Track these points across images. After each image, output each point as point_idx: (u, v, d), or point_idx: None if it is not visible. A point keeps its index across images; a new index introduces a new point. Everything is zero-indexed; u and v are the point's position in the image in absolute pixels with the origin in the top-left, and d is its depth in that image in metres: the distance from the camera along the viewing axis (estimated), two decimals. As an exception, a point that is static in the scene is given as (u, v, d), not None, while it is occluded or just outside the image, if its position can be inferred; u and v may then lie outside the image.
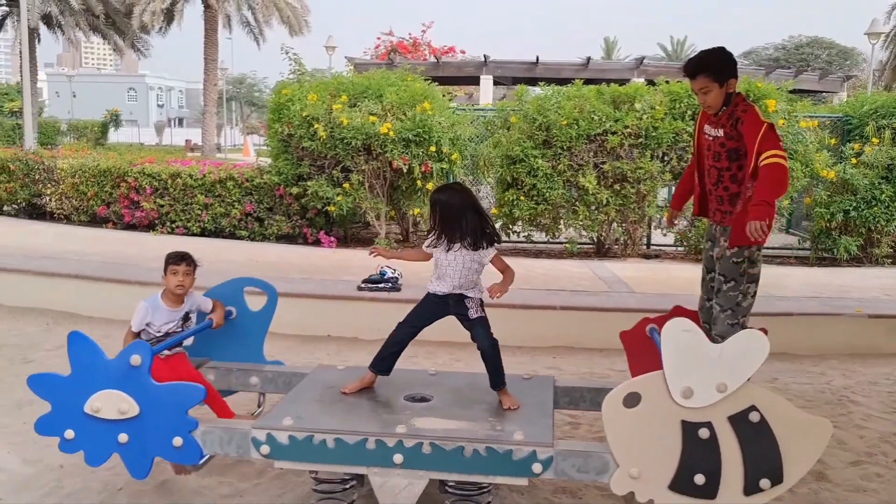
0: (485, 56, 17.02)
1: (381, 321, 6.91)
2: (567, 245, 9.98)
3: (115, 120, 43.30)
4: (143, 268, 8.14)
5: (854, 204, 9.54)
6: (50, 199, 12.17)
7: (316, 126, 9.45)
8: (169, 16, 34.11)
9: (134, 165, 11.20)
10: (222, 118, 57.34)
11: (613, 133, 9.21)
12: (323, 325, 7.04)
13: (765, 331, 3.46)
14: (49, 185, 12.12)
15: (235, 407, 4.81)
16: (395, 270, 7.37)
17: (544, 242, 10.40)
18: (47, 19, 31.91)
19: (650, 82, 11.51)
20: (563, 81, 11.57)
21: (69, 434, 3.39)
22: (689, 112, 9.32)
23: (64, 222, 12.11)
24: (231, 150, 52.07)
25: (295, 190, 10.01)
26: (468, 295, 3.72)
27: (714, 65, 3.78)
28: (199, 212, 10.71)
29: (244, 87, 77.30)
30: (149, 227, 11.13)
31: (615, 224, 9.89)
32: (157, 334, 3.90)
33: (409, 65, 12.28)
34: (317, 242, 10.36)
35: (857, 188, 9.51)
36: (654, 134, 9.19)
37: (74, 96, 73.41)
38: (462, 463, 3.16)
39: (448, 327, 3.87)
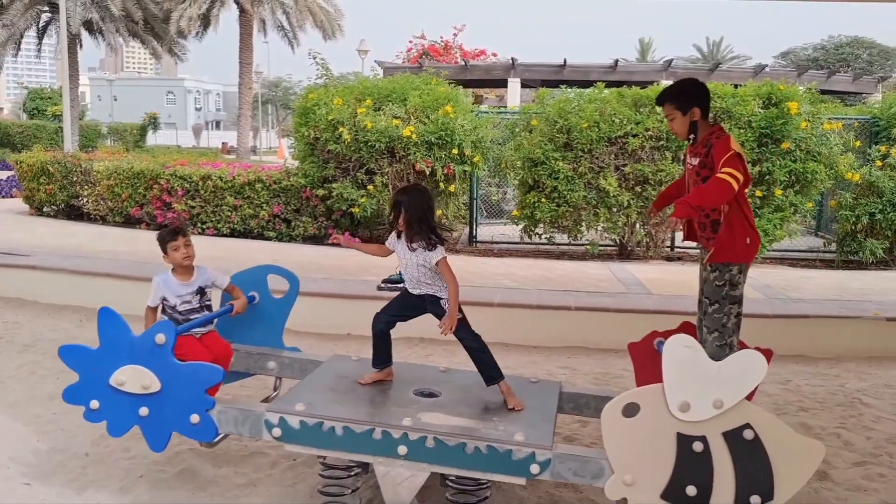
0: (512, 59, 17.12)
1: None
2: (588, 247, 10.04)
3: (153, 123, 44.20)
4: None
5: (880, 206, 9.47)
6: (87, 201, 12.56)
7: (341, 129, 9.65)
8: (205, 21, 34.76)
9: (166, 168, 11.51)
10: (258, 121, 58.15)
11: (634, 135, 9.27)
12: (343, 323, 7.20)
13: (769, 353, 3.55)
14: (86, 187, 12.52)
15: (253, 389, 5.00)
16: (414, 271, 7.51)
17: (566, 244, 10.48)
18: (88, 25, 32.70)
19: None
20: (590, 84, 11.64)
21: (94, 404, 3.58)
22: (711, 115, 9.30)
23: (100, 223, 12.50)
24: (266, 153, 52.82)
25: (321, 192, 10.23)
26: (441, 296, 3.82)
27: (678, 95, 3.95)
28: (229, 213, 10.98)
29: (280, 91, 78.20)
30: (180, 227, 11.41)
31: (637, 226, 9.93)
32: (178, 309, 4.06)
33: (434, 68, 12.42)
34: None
35: (882, 191, 9.45)
36: (674, 136, 9.19)
37: (115, 100, 75.03)
38: (463, 459, 3.28)
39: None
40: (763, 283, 8.38)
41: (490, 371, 3.80)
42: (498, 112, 11.53)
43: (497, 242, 11.17)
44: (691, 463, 3.10)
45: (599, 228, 9.79)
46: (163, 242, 4.10)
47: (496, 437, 3.31)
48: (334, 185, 10.00)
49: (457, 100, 10.04)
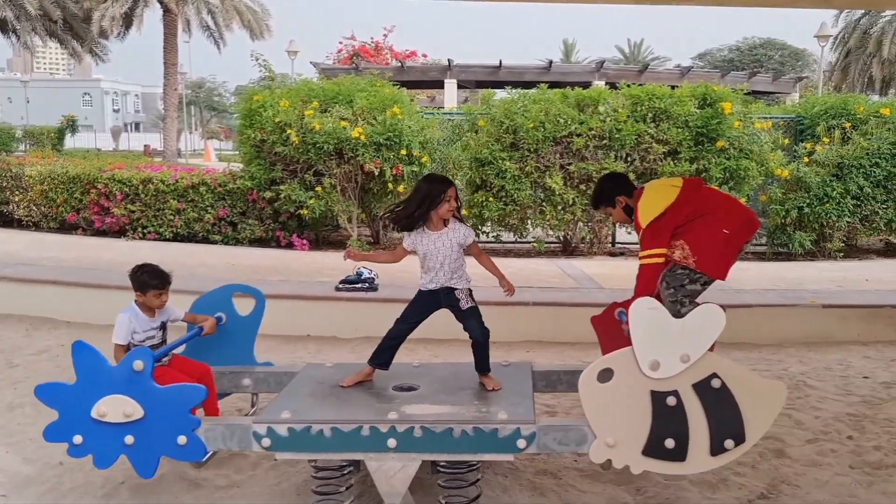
0: (449, 60, 17.28)
1: (359, 320, 7.20)
2: (535, 244, 10.28)
3: (71, 126, 42.66)
4: (119, 273, 8.22)
5: (807, 201, 10.00)
6: (18, 207, 12.12)
7: (289, 131, 9.62)
8: (128, 20, 33.80)
9: (104, 172, 11.22)
10: (181, 123, 56.74)
11: (578, 135, 9.54)
12: (302, 325, 7.21)
13: (722, 307, 3.81)
14: (17, 193, 12.07)
15: (230, 408, 5.00)
16: (371, 271, 7.58)
17: (512, 242, 10.70)
18: (2, 24, 31.38)
19: (611, 85, 11.90)
20: (525, 85, 11.91)
21: (77, 439, 3.54)
22: (650, 115, 9.68)
23: (32, 229, 12.08)
24: (192, 156, 51.60)
25: (268, 194, 10.17)
26: (457, 287, 3.96)
27: (600, 196, 4.43)
28: (172, 217, 10.79)
29: (203, 92, 76.54)
30: (119, 232, 11.16)
31: (581, 223, 10.22)
32: (139, 344, 3.98)
33: (375, 70, 12.48)
34: (290, 245, 10.53)
35: (809, 186, 9.98)
36: (617, 136, 9.54)
37: (28, 102, 71.96)
38: (452, 443, 3.39)
39: (426, 326, 4.11)
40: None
41: (485, 362, 4.00)
42: (443, 112, 11.66)
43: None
44: (667, 417, 3.29)
45: (545, 226, 10.02)
46: (146, 285, 3.98)
47: (481, 418, 3.44)
48: (282, 188, 9.95)
49: (403, 101, 10.13)
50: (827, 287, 8.12)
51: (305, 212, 9.93)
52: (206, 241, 10.81)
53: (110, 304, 7.30)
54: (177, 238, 10.94)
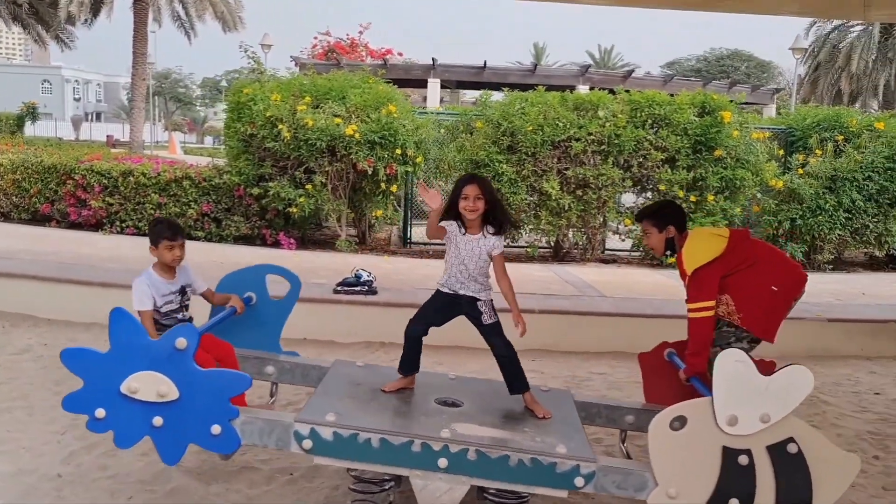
0: (433, 59, 17.08)
1: (358, 324, 6.97)
2: (528, 249, 10.12)
3: (31, 113, 41.44)
4: (102, 269, 7.88)
5: (800, 212, 10.01)
6: (-14, 196, 11.61)
7: (280, 127, 9.33)
8: (96, 7, 32.92)
9: (81, 162, 10.80)
10: (146, 114, 55.62)
11: (577, 139, 9.41)
12: (299, 327, 6.85)
13: (773, 364, 3.66)
14: (-14, 181, 11.56)
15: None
16: (370, 273, 7.35)
17: (504, 246, 10.51)
18: (-36, 7, 30.39)
19: (595, 90, 11.80)
20: (509, 86, 11.76)
21: (100, 413, 3.26)
22: (650, 121, 9.60)
23: (1, 220, 11.57)
24: (156, 147, 50.59)
25: (256, 191, 9.85)
26: (480, 297, 3.75)
27: (655, 214, 4.25)
28: (153, 211, 10.41)
29: (169, 83, 75.24)
30: (96, 226, 10.75)
31: (574, 229, 10.09)
32: (160, 309, 3.82)
33: (366, 67, 12.22)
34: (276, 244, 10.23)
35: (803, 197, 9.98)
36: (616, 141, 9.43)
37: (-16, 87, 69.98)
38: (506, 471, 3.20)
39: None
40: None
41: (517, 380, 3.75)
42: (438, 112, 11.45)
43: (433, 244, 11.09)
44: (735, 476, 3.13)
45: (539, 231, 9.88)
46: (158, 235, 3.83)
47: (538, 449, 3.24)
48: (271, 184, 9.65)
49: (397, 99, 9.90)
50: (826, 300, 8.09)
51: (295, 210, 9.64)
52: (188, 237, 10.37)
53: (93, 302, 7.06)
54: (157, 233, 10.54)
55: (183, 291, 3.94)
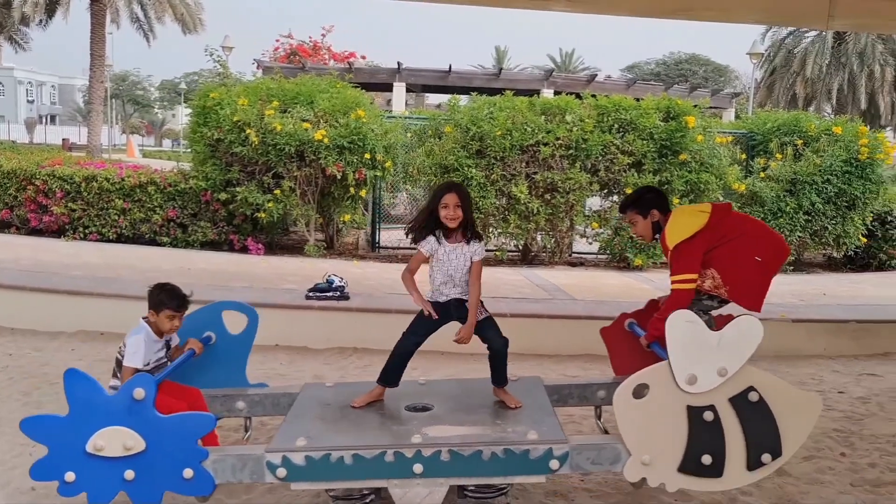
0: (398, 63, 17.07)
1: (331, 330, 6.96)
2: (497, 253, 10.18)
3: (-15, 116, 40.48)
4: (66, 276, 7.75)
5: (762, 215, 10.22)
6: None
7: (248, 131, 9.26)
8: (51, 8, 32.31)
9: (42, 167, 10.59)
10: (104, 117, 54.60)
11: (545, 144, 9.50)
12: (271, 334, 6.87)
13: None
14: (-59, 187, 11.25)
15: (220, 434, 4.69)
16: (342, 279, 7.34)
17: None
18: (-87, 6, 29.57)
19: (559, 94, 11.93)
20: (474, 90, 11.82)
21: (69, 477, 3.22)
22: (616, 126, 9.73)
23: (-44, 227, 11.29)
24: (113, 151, 49.70)
25: (223, 196, 9.76)
26: (466, 298, 3.79)
27: (637, 201, 4.30)
28: (116, 217, 10.26)
29: (126, 85, 74.00)
30: (58, 232, 10.55)
31: (542, 232, 10.18)
32: (146, 367, 3.73)
33: (336, 71, 12.18)
34: (244, 249, 10.14)
35: (765, 200, 10.20)
36: (583, 146, 9.54)
37: (-69, 89, 68.02)
38: (481, 466, 3.24)
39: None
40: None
41: (503, 374, 3.83)
42: (406, 117, 11.46)
43: (401, 248, 11.10)
44: (704, 433, 3.21)
45: (508, 234, 9.94)
46: (162, 304, 3.72)
47: (510, 439, 3.29)
48: (238, 189, 9.57)
49: (366, 104, 9.90)
50: (790, 301, 8.28)
51: (263, 215, 9.57)
52: (153, 242, 10.31)
53: (59, 310, 6.94)
54: (121, 239, 10.40)
55: (168, 346, 3.90)
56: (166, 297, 3.73)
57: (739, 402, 3.21)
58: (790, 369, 6.78)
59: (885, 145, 10.59)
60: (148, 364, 3.73)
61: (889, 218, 11.30)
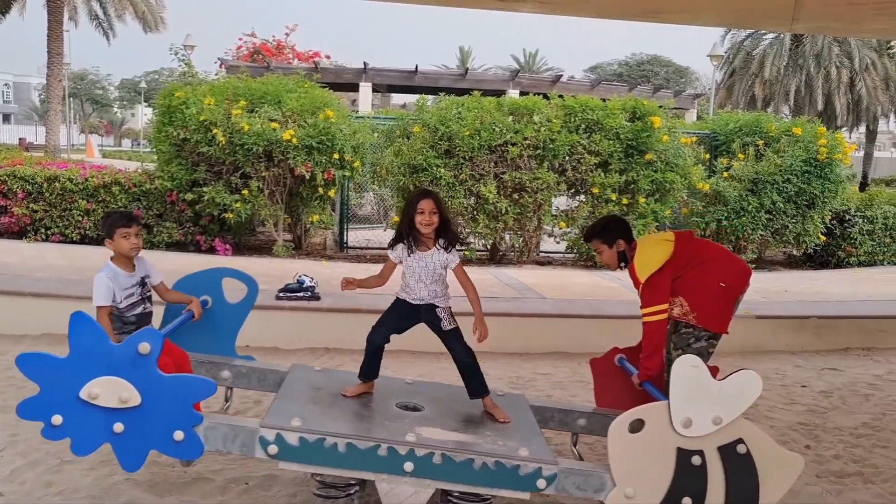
0: (364, 63, 17.04)
1: (302, 330, 6.94)
2: (466, 252, 10.23)
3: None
4: (30, 278, 7.61)
5: (725, 214, 10.42)
6: None
7: (215, 131, 9.18)
8: (6, 3, 31.56)
9: (2, 167, 10.38)
10: (62, 116, 53.54)
11: (513, 144, 9.57)
12: (241, 335, 6.78)
13: (716, 369, 3.83)
14: None
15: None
16: (312, 279, 7.31)
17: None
18: None
19: (525, 94, 12.02)
20: (441, 91, 11.85)
21: (56, 420, 3.15)
22: (583, 126, 9.84)
23: (-87, 229, 11.00)
24: (72, 151, 48.78)
25: (189, 196, 9.66)
26: (439, 305, 3.81)
27: (602, 231, 4.37)
28: (80, 218, 10.09)
29: (85, 84, 72.63)
30: (19, 233, 10.34)
31: (510, 232, 10.26)
32: (120, 304, 3.74)
33: (303, 71, 12.12)
34: (211, 250, 10.05)
35: (728, 199, 10.40)
36: (551, 146, 9.63)
37: None
38: (471, 474, 3.26)
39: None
40: (637, 285, 8.96)
41: (478, 385, 3.82)
42: (374, 117, 11.45)
43: (369, 248, 11.09)
44: (688, 476, 3.27)
45: (477, 234, 10.00)
46: (113, 225, 3.77)
47: (502, 452, 3.32)
48: (205, 190, 9.48)
49: (334, 104, 9.87)
50: (753, 297, 8.42)
51: (231, 215, 9.50)
52: (118, 244, 10.15)
53: (23, 313, 6.81)
54: (84, 240, 10.24)
55: (143, 283, 3.88)
56: (115, 218, 3.79)
57: (727, 452, 3.28)
58: (754, 364, 6.92)
59: (842, 145, 10.87)
60: (119, 301, 3.73)
61: (847, 216, 11.59)
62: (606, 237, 4.30)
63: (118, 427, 3.16)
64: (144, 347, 3.13)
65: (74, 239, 10.17)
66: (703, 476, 3.27)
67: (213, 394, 3.27)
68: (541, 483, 3.26)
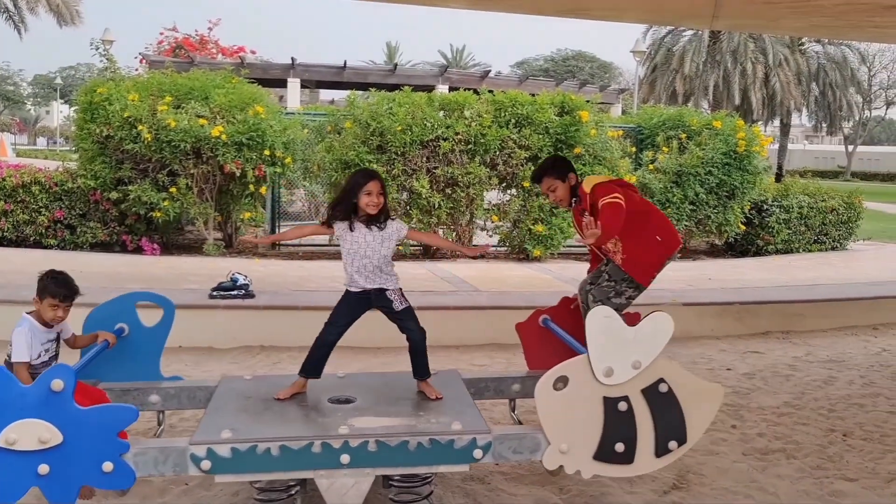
0: (292, 59, 16.85)
1: (237, 329, 6.86)
2: (400, 247, 10.26)
3: None
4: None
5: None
6: None
7: (140, 128, 8.95)
8: None
9: (-90, 168, 9.89)
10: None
11: (445, 139, 9.64)
12: (174, 336, 6.63)
13: (637, 316, 4.00)
14: None
15: (130, 430, 4.56)
16: (246, 277, 7.23)
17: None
18: None
19: (454, 89, 12.12)
20: (370, 86, 11.85)
21: None
22: (513, 121, 9.98)
23: None
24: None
25: (114, 195, 9.40)
26: (388, 287, 3.86)
27: (552, 168, 4.44)
28: (-3, 219, 9.72)
29: (-5, 80, 69.59)
30: (-70, 237, 9.89)
31: (444, 226, 10.33)
32: (35, 360, 3.60)
33: (231, 66, 11.92)
34: (137, 250, 9.80)
35: (653, 192, 10.71)
36: (482, 140, 9.74)
37: None
38: (407, 456, 3.30)
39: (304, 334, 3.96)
40: (569, 276, 9.16)
41: (424, 366, 3.90)
42: (305, 113, 11.35)
43: (302, 245, 11.01)
44: (617, 422, 3.40)
45: (410, 229, 10.03)
46: (44, 291, 3.55)
47: (436, 429, 3.37)
48: (131, 188, 9.24)
49: (264, 100, 9.75)
50: (679, 286, 8.74)
51: (158, 214, 9.29)
52: (39, 245, 9.82)
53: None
54: (2, 242, 9.85)
55: (58, 339, 3.75)
56: (52, 285, 3.56)
57: (651, 393, 3.41)
58: (682, 349, 7.18)
59: (760, 138, 11.33)
60: (39, 357, 3.60)
61: (765, 206, 12.08)
62: (558, 172, 4.37)
63: (43, 469, 3.09)
64: (57, 384, 3.06)
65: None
66: (632, 420, 3.40)
67: (136, 419, 3.22)
68: (477, 453, 3.33)
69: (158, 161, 9.23)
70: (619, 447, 3.41)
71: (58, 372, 3.12)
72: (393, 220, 3.89)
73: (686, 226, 11.04)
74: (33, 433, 3.07)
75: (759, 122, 37.13)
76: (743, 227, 11.74)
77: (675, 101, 37.06)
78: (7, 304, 6.55)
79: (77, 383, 3.69)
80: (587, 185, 4.23)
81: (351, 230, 3.79)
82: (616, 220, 3.96)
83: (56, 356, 3.75)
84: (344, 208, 3.80)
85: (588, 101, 10.47)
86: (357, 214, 3.79)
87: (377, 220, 3.81)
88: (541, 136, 9.97)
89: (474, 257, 4.06)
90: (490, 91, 10.32)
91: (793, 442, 4.89)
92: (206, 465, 3.19)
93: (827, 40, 37.92)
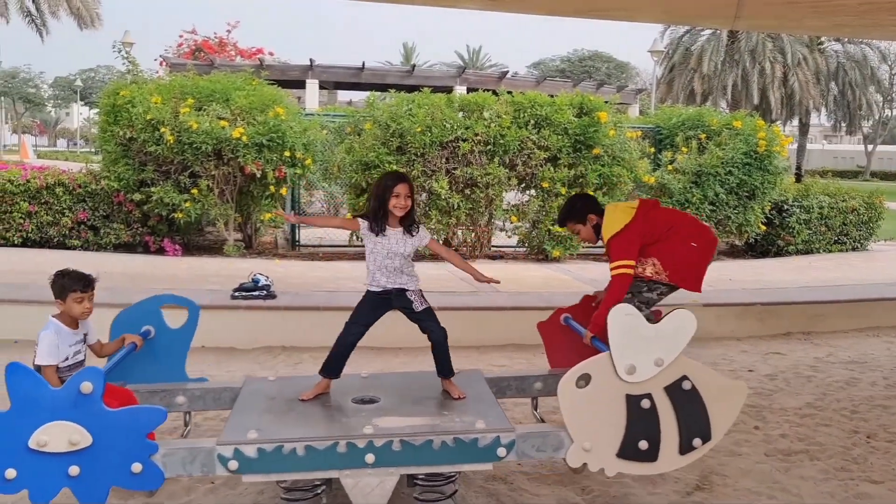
0: (311, 60, 16.93)
1: (258, 330, 6.91)
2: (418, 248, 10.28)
3: None
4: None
5: (671, 206, 10.68)
6: None
7: (163, 130, 9.04)
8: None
9: (-64, 169, 10.05)
10: (-7, 116, 51.86)
11: (464, 140, 9.66)
12: (197, 336, 6.73)
13: (659, 313, 4.02)
14: None
15: (158, 430, 4.61)
16: (267, 278, 7.29)
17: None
18: None
19: (472, 90, 12.13)
20: (388, 87, 11.88)
21: (10, 473, 3.12)
22: (532, 122, 9.99)
23: None
24: (4, 152, 47.31)
25: (137, 196, 9.50)
26: (408, 287, 3.91)
27: (571, 212, 4.55)
28: (21, 220, 9.83)
29: (17, 83, 70.33)
30: (-45, 237, 10.03)
31: (462, 227, 10.35)
32: (63, 363, 3.65)
33: (251, 69, 12.00)
34: (160, 251, 9.90)
35: (672, 192, 10.68)
36: (501, 141, 9.76)
37: None
38: (431, 455, 3.33)
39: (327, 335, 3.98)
40: (588, 276, 9.15)
41: (447, 364, 3.94)
42: (326, 114, 11.41)
43: (322, 246, 11.06)
44: (641, 420, 3.41)
45: (430, 229, 10.06)
46: (64, 289, 3.60)
47: (459, 428, 3.40)
48: (153, 189, 9.33)
49: (284, 101, 9.82)
50: (700, 287, 8.70)
51: (180, 215, 9.38)
52: (62, 246, 9.94)
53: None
54: (26, 243, 9.98)
55: (85, 340, 3.79)
56: (69, 281, 3.62)
57: (674, 390, 3.42)
58: (703, 351, 7.16)
59: (780, 138, 11.26)
60: (67, 359, 3.65)
61: (785, 206, 12.00)
62: (578, 217, 4.47)
63: (74, 470, 3.15)
64: (87, 387, 3.12)
65: (16, 242, 9.90)
66: (655, 417, 3.41)
67: (164, 420, 3.27)
68: (501, 451, 3.36)
69: (180, 163, 9.32)
70: (643, 445, 3.42)
71: (87, 374, 3.18)
72: (420, 225, 3.96)
73: (706, 226, 10.98)
74: (64, 435, 3.13)
75: (778, 122, 36.86)
76: (763, 228, 11.67)
77: (692, 101, 36.89)
78: (32, 305, 6.63)
79: (106, 385, 3.79)
80: (604, 228, 4.29)
81: (378, 233, 3.83)
82: (621, 294, 4.12)
83: (83, 361, 3.79)
84: (375, 209, 3.86)
85: (606, 102, 10.45)
86: (387, 218, 3.83)
87: (404, 221, 3.85)
88: (560, 137, 9.97)
89: (481, 280, 4.12)
90: (509, 92, 10.33)
91: (816, 443, 4.87)
92: (233, 465, 3.24)
93: (847, 39, 37.61)
